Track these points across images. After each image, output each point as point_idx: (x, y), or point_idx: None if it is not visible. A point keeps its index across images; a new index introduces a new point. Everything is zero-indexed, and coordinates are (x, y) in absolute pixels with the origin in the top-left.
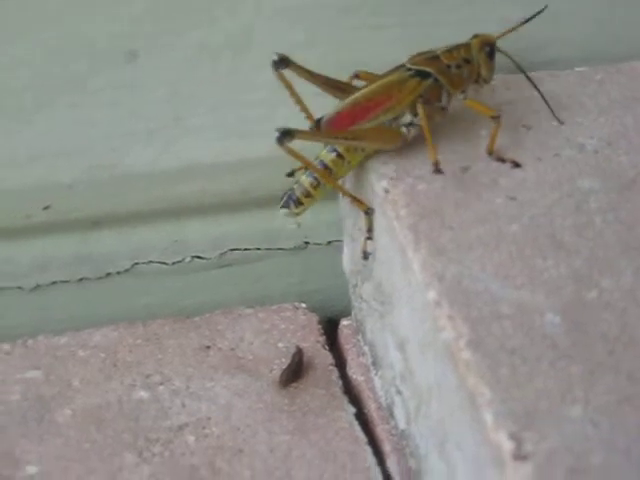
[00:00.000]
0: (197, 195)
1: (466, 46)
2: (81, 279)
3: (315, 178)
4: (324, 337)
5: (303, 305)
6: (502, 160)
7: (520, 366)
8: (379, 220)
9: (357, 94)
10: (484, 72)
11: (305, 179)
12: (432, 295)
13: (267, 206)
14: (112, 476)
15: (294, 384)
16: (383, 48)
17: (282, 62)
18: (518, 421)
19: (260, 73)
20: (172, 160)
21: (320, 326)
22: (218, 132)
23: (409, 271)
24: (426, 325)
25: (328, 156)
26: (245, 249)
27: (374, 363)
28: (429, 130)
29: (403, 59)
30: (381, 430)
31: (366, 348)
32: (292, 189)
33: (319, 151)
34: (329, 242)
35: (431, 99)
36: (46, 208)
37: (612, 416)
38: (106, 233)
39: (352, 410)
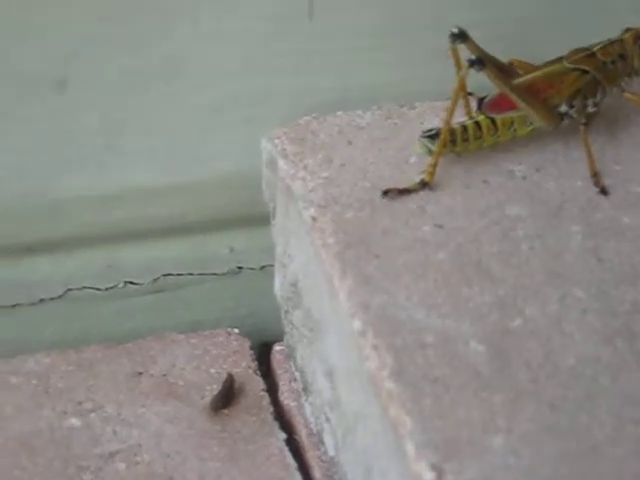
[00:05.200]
0: (130, 221)
1: (620, 41)
2: (14, 305)
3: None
4: (256, 363)
5: (236, 331)
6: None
7: (443, 396)
8: (307, 248)
9: (520, 80)
10: (637, 64)
11: (458, 127)
12: (357, 324)
13: (200, 231)
14: None
15: (225, 410)
16: (317, 75)
17: (460, 36)
18: (440, 452)
19: (192, 98)
20: (105, 186)
21: (252, 352)
22: (151, 157)
23: (335, 300)
24: (351, 354)
25: (485, 120)
26: (178, 274)
27: (305, 389)
28: (587, 133)
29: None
30: (311, 456)
31: (297, 374)
32: (439, 129)
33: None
34: (262, 267)
35: (587, 94)
36: None
37: (533, 446)
38: (39, 259)
39: (283, 436)
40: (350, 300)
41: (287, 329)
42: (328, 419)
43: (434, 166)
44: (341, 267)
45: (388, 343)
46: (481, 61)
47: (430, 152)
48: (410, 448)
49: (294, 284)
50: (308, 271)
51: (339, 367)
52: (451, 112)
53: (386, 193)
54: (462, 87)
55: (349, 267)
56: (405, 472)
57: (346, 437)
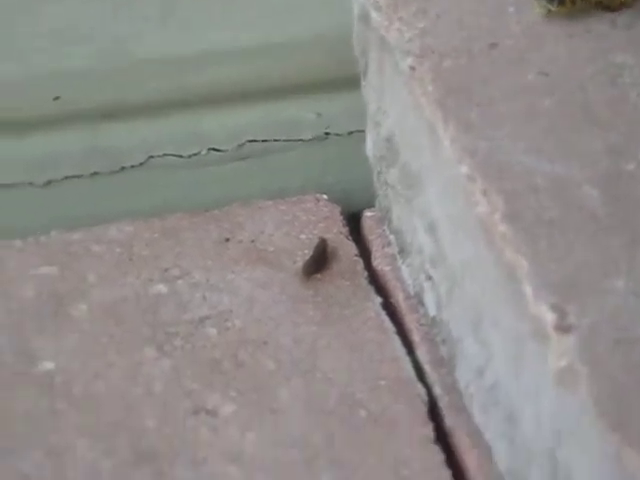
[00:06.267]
0: (213, 84)
1: None
2: (94, 174)
3: None
4: (347, 228)
5: (324, 197)
6: None
7: (558, 238)
8: (405, 99)
9: None
10: None
11: None
12: (464, 170)
13: (286, 95)
14: (132, 370)
15: (318, 275)
16: None
17: None
18: (559, 293)
19: None
20: (187, 46)
21: (342, 217)
22: (234, 16)
23: (438, 148)
24: (458, 202)
25: None
26: (263, 141)
27: (401, 251)
28: None
29: None
30: (410, 320)
31: (392, 237)
32: None
33: None
34: (350, 133)
35: None
36: (56, 99)
37: None
38: (119, 125)
39: (379, 300)
40: (454, 146)
41: (380, 191)
42: (429, 277)
43: None
44: (443, 114)
45: (498, 187)
46: None
47: (549, 12)
48: (529, 290)
49: (389, 140)
50: (405, 124)
51: (442, 219)
52: None
53: None
54: None
55: (451, 114)
56: (522, 316)
57: (452, 292)
